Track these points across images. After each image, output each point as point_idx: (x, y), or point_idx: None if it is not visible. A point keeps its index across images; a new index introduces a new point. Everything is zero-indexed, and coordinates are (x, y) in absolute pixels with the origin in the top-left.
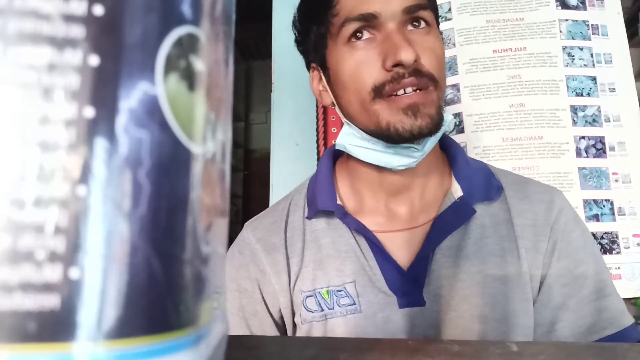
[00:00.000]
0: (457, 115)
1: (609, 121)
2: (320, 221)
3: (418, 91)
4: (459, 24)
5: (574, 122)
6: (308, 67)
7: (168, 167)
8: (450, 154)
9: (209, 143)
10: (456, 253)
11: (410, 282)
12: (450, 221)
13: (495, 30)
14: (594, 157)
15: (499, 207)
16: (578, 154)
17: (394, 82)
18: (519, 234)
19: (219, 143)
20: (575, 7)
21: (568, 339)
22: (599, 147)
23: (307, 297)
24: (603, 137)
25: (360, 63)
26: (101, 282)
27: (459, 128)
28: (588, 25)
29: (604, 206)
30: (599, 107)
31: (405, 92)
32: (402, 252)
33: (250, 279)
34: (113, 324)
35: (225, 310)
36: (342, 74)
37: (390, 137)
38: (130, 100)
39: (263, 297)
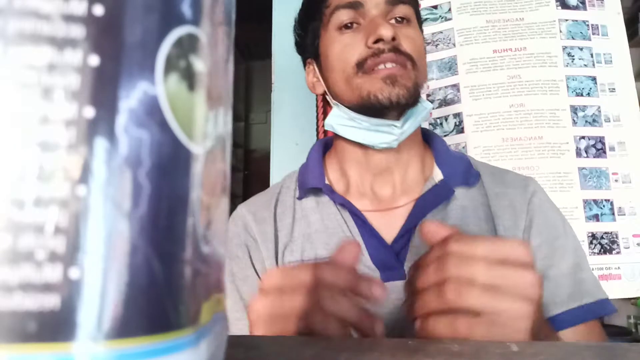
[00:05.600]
0: (457, 115)
1: (609, 121)
2: (310, 200)
3: (396, 66)
4: (459, 24)
5: (574, 122)
6: (305, 66)
7: (168, 167)
8: (432, 145)
9: (209, 143)
10: None
11: (393, 256)
12: (431, 201)
13: (495, 30)
14: (594, 157)
15: (477, 192)
16: (578, 154)
17: (375, 57)
18: (496, 214)
19: (219, 143)
20: (575, 7)
21: (548, 306)
22: (599, 147)
23: None
24: (603, 137)
25: (346, 45)
26: (101, 282)
27: (459, 128)
28: (588, 25)
29: (604, 206)
30: (599, 107)
31: (385, 67)
32: (386, 229)
33: (241, 246)
34: (113, 324)
35: (225, 311)
36: (331, 56)
37: (372, 107)
38: (130, 100)
39: (252, 263)
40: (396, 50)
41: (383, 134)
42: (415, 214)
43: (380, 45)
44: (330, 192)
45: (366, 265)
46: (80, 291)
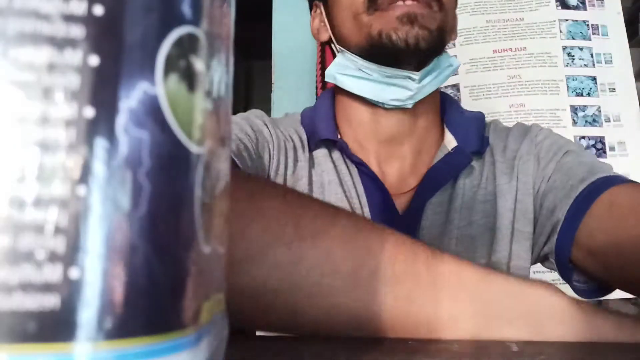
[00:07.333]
0: None
1: (609, 121)
2: (321, 150)
3: (417, 4)
4: (459, 24)
5: (574, 122)
6: (311, 9)
7: (168, 167)
8: (443, 106)
9: (209, 143)
10: (447, 209)
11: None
12: (442, 172)
13: (495, 30)
14: None
15: (487, 159)
16: None
17: None
18: (503, 180)
19: (219, 143)
20: (575, 7)
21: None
22: (599, 147)
23: None
24: (603, 137)
25: None
26: (101, 282)
27: None
28: (588, 25)
29: None
30: (599, 107)
31: (404, 3)
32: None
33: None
34: (113, 324)
35: (225, 310)
36: None
37: (383, 50)
38: (130, 100)
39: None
40: None
41: (396, 87)
42: (424, 187)
43: None
44: (345, 148)
45: None
46: (80, 291)
